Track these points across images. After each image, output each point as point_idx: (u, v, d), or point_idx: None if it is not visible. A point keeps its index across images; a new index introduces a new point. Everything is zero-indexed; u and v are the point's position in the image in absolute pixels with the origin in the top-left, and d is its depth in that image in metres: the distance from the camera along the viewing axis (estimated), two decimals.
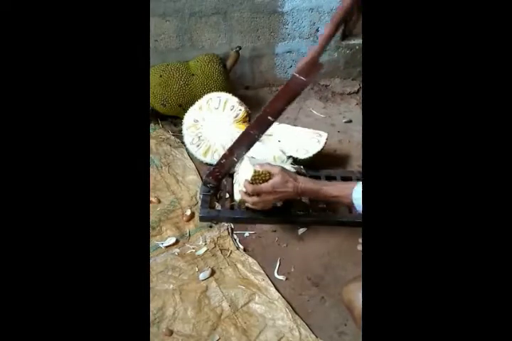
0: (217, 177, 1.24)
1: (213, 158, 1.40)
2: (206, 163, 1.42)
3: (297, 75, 0.98)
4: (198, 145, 1.44)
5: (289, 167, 1.18)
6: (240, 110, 1.43)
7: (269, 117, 1.07)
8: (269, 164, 1.08)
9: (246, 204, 1.13)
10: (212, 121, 1.44)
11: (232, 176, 1.35)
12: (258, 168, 1.04)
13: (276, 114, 1.07)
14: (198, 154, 1.43)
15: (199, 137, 1.44)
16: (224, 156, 1.20)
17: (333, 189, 0.99)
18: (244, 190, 1.06)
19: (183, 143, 1.54)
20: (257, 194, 1.04)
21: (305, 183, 1.02)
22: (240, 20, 1.67)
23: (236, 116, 1.44)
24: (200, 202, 1.26)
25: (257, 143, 1.19)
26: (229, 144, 1.36)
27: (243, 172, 1.11)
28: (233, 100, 1.45)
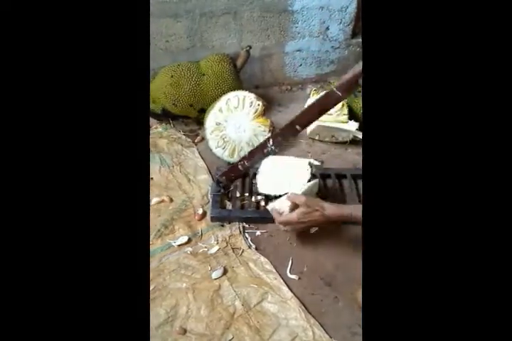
0: (231, 177, 1.24)
1: (240, 157, 1.40)
2: (232, 163, 1.39)
3: (335, 90, 1.01)
4: (223, 148, 1.46)
5: (312, 187, 1.20)
6: (259, 105, 1.46)
7: (297, 126, 1.10)
8: (294, 194, 1.09)
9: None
10: (234, 121, 1.46)
11: (244, 178, 1.35)
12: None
13: (305, 123, 1.11)
14: (225, 156, 1.46)
15: (223, 139, 1.46)
16: (244, 158, 1.21)
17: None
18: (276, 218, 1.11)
19: (194, 142, 1.54)
20: (285, 224, 1.08)
21: (332, 210, 1.04)
22: (250, 20, 1.67)
23: (255, 112, 1.46)
24: (210, 201, 1.27)
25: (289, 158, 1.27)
26: (252, 140, 1.43)
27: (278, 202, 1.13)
28: (250, 96, 1.46)
